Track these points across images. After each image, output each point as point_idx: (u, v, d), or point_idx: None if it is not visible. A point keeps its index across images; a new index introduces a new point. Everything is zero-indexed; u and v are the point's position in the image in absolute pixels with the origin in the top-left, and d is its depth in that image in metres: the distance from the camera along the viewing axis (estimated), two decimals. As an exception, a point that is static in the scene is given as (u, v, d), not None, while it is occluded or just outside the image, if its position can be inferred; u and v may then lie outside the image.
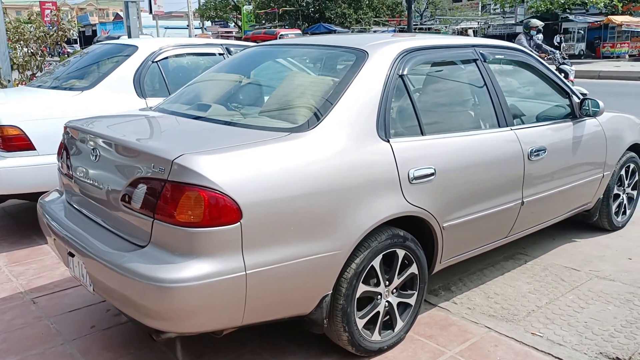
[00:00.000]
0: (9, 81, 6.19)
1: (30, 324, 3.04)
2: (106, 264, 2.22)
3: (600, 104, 3.65)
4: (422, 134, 2.76)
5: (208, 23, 57.19)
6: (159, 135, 2.64)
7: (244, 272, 2.13)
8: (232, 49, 5.15)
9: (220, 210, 2.07)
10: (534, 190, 3.31)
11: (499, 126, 3.16)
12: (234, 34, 52.55)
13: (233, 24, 53.07)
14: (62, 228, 2.62)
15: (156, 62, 4.66)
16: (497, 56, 3.34)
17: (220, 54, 5.06)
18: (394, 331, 2.74)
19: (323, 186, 2.31)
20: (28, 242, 4.26)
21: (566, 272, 3.62)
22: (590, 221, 4.22)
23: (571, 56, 28.48)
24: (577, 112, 3.72)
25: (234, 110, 2.86)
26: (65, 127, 2.91)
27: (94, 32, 53.32)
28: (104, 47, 5.08)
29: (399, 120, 2.76)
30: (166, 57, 4.75)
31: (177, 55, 4.88)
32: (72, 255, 2.51)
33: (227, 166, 2.12)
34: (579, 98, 3.74)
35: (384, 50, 2.77)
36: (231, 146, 2.22)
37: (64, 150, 2.89)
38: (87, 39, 45.00)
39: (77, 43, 43.28)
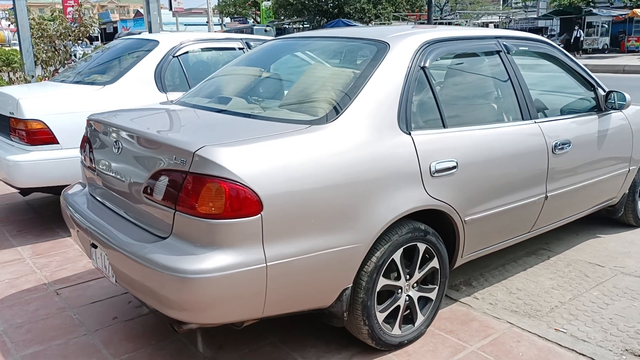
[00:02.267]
0: (32, 76, 6.28)
1: (54, 314, 3.08)
2: (128, 255, 2.24)
3: (627, 96, 3.57)
4: (444, 126, 2.73)
5: (227, 19, 57.40)
6: (180, 127, 2.64)
7: (265, 264, 2.13)
8: (251, 43, 5.15)
9: (241, 202, 2.07)
10: (558, 185, 3.26)
11: (523, 119, 3.11)
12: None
13: (252, 20, 53.18)
14: (85, 220, 2.64)
15: (177, 56, 4.69)
16: (520, 48, 3.29)
17: (240, 49, 5.07)
18: (414, 325, 2.72)
19: (344, 178, 2.30)
20: (51, 235, 4.32)
21: (590, 268, 3.56)
22: (615, 216, 4.14)
23: (595, 50, 28.06)
24: (603, 104, 3.64)
25: (255, 103, 2.85)
26: (88, 120, 2.94)
27: (115, 30, 53.94)
28: (126, 42, 5.13)
29: (420, 113, 2.73)
30: (187, 52, 4.78)
31: (197, 50, 4.90)
32: (95, 246, 2.53)
33: (248, 158, 2.12)
34: (604, 90, 3.66)
35: (405, 41, 2.74)
36: (252, 138, 2.22)
37: (87, 143, 2.92)
38: (108, 36, 45.54)
39: (98, 40, 43.83)
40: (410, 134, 2.56)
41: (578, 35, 27.14)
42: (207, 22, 52.30)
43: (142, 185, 2.34)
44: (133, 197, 2.44)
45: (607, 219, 4.25)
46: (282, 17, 42.84)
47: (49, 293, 3.35)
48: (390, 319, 2.64)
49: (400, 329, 2.67)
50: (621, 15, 27.81)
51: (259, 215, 2.10)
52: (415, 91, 2.67)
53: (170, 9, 40.11)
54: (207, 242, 2.10)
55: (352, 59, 2.93)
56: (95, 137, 2.82)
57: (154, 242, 2.23)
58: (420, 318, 2.73)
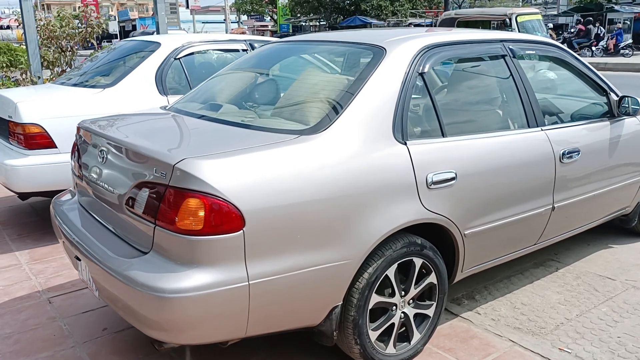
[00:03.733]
0: (39, 77, 6.27)
1: (44, 324, 3.02)
2: (107, 270, 2.16)
3: (640, 101, 3.40)
4: (443, 135, 2.61)
5: (244, 17, 57.50)
6: (165, 137, 2.55)
7: (247, 283, 2.03)
8: (256, 45, 5.06)
9: (222, 217, 1.97)
10: (566, 195, 3.11)
11: (529, 126, 2.97)
12: (269, 27, 52.72)
13: (269, 17, 53.20)
14: (70, 231, 2.57)
15: (178, 59, 4.61)
16: (527, 52, 3.14)
17: (243, 50, 4.97)
18: (410, 344, 2.60)
19: (333, 192, 2.19)
20: (50, 239, 4.27)
21: (600, 281, 3.41)
22: (629, 226, 3.98)
23: (615, 47, 27.44)
24: (616, 110, 3.48)
25: (246, 110, 2.76)
26: (78, 127, 2.87)
27: (134, 27, 54.32)
28: (129, 44, 5.07)
29: (418, 122, 2.61)
30: (189, 54, 4.70)
31: (200, 52, 4.82)
32: (79, 259, 2.46)
33: (230, 171, 2.02)
34: (617, 95, 3.50)
35: (403, 46, 2.62)
36: (236, 150, 2.12)
37: (76, 150, 2.85)
38: (127, 34, 45.87)
39: (117, 38, 44.18)
40: (406, 143, 2.44)
41: (599, 32, 26.58)
42: (224, 19, 52.47)
43: (125, 197, 2.26)
44: (117, 209, 2.36)
45: (620, 228, 4.09)
46: (299, 15, 42.76)
47: (42, 301, 3.29)
48: (385, 336, 2.53)
49: (394, 348, 2.55)
50: (644, 12, 27.20)
51: (241, 231, 2.00)
52: (412, 99, 2.54)
53: (187, 7, 40.28)
54: (187, 259, 2.01)
55: (347, 65, 2.82)
56: (83, 145, 2.75)
57: (135, 257, 2.15)
58: (416, 336, 2.62)
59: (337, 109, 2.37)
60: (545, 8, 37.41)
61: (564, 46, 3.37)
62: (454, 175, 2.53)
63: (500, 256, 2.97)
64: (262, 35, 49.88)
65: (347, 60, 2.85)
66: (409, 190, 2.40)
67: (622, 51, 23.12)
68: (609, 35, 25.08)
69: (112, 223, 2.44)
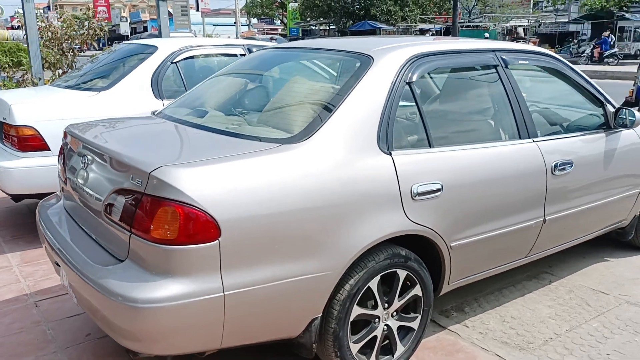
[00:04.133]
0: (39, 79, 6.30)
1: (28, 328, 3.01)
2: (83, 278, 2.14)
3: (637, 114, 3.34)
4: (430, 146, 2.57)
5: (254, 20, 57.66)
6: (146, 144, 2.54)
7: (222, 293, 2.00)
8: (254, 49, 5.03)
9: (197, 227, 1.95)
10: (558, 207, 3.06)
11: (520, 137, 2.92)
12: (279, 31, 52.85)
13: (279, 21, 53.34)
14: (52, 236, 2.56)
15: (175, 62, 4.60)
16: (520, 62, 3.09)
17: (241, 55, 4.96)
18: (393, 357, 2.56)
19: (314, 202, 2.16)
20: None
21: (593, 295, 3.35)
22: (625, 239, 3.91)
23: (627, 56, 27.26)
24: (612, 122, 3.42)
25: (232, 116, 2.74)
26: (65, 132, 2.86)
27: (145, 29, 54.66)
28: (127, 47, 5.07)
29: (404, 132, 2.57)
30: (186, 58, 4.69)
31: (197, 56, 4.81)
32: (59, 265, 2.45)
33: (207, 180, 1.99)
34: (614, 107, 3.44)
35: (390, 55, 2.59)
36: (214, 158, 2.10)
37: (63, 154, 2.84)
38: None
39: (128, 39, 44.47)
40: (390, 154, 2.40)
41: (609, 41, 26.41)
42: (234, 22, 52.65)
43: (103, 204, 2.24)
44: (96, 215, 2.34)
45: (617, 241, 4.02)
46: (309, 19, 42.82)
47: (28, 305, 3.28)
48: (367, 349, 2.49)
49: (376, 360, 2.51)
50: (655, 20, 27.00)
51: (217, 241, 1.97)
52: (399, 109, 2.51)
53: (197, 9, 40.46)
54: (162, 268, 1.99)
55: (334, 73, 2.79)
56: (69, 149, 2.74)
57: (111, 265, 2.13)
58: (400, 349, 2.58)
59: (321, 117, 2.34)
60: (555, 15, 37.24)
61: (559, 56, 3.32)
62: (439, 187, 2.49)
63: (489, 269, 2.92)
64: (272, 38, 50.03)
65: (335, 68, 2.83)
66: (393, 202, 2.36)
67: (606, 60, 23.25)
68: (593, 43, 25.19)
69: (92, 229, 2.42)
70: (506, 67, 2.98)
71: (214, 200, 1.97)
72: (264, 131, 2.43)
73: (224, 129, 2.51)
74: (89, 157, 2.43)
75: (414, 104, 2.58)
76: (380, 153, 2.38)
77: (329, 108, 2.38)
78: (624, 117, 3.39)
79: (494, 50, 2.99)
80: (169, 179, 1.96)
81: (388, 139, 2.42)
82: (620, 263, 3.81)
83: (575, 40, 30.88)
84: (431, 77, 2.76)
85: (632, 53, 27.71)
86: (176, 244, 1.95)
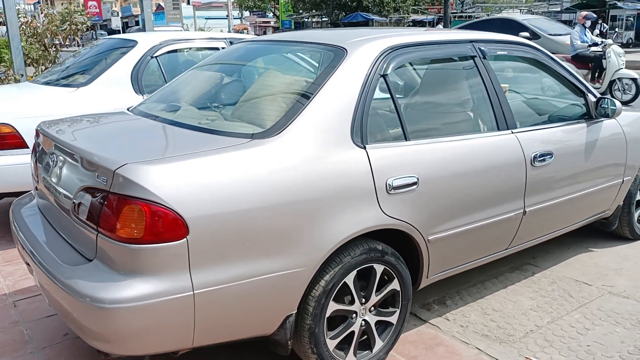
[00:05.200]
0: (22, 75, 6.22)
1: (5, 329, 2.97)
2: (51, 278, 2.10)
3: (617, 103, 3.32)
4: (406, 139, 2.53)
5: (246, 13, 57.36)
6: (112, 140, 2.49)
7: (192, 292, 1.97)
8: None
9: (164, 225, 1.91)
10: (538, 199, 3.03)
11: (499, 129, 2.89)
12: (271, 23, 52.60)
13: (271, 13, 53.06)
14: (23, 236, 2.52)
15: (155, 57, 4.55)
16: (499, 52, 3.06)
17: (223, 49, 4.89)
18: (372, 352, 2.54)
19: (285, 198, 2.12)
20: (25, 240, 4.22)
21: (576, 286, 3.34)
22: (609, 229, 3.90)
23: (619, 45, 27.23)
24: (593, 112, 3.40)
25: (205, 111, 2.69)
26: (37, 130, 2.81)
27: (136, 23, 54.28)
28: (106, 42, 5.01)
29: (379, 125, 2.54)
30: (166, 52, 4.64)
31: (178, 50, 4.76)
32: (29, 265, 2.41)
33: (173, 177, 1.96)
34: (595, 97, 3.42)
35: (365, 47, 2.55)
36: (182, 155, 2.06)
37: (34, 152, 2.80)
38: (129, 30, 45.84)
39: (120, 33, 44.13)
40: (365, 148, 2.37)
41: (602, 29, 26.36)
42: (227, 15, 52.34)
43: (71, 202, 2.20)
44: (65, 214, 2.30)
45: (601, 231, 4.00)
46: (301, 11, 42.61)
47: (7, 304, 3.24)
48: (345, 344, 2.47)
49: (355, 356, 2.49)
50: (647, 8, 26.95)
51: (185, 239, 1.94)
52: (374, 101, 2.47)
53: (189, 2, 40.20)
54: (129, 267, 1.95)
55: (308, 66, 2.75)
56: (39, 147, 2.70)
57: (78, 265, 2.09)
58: (378, 344, 2.55)
59: (293, 111, 2.31)
60: (547, 4, 37.16)
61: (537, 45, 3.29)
62: (415, 180, 2.46)
63: (469, 261, 2.90)
64: (264, 31, 49.76)
65: (309, 61, 2.78)
66: (368, 196, 2.33)
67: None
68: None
69: (63, 229, 2.38)
70: (484, 57, 2.94)
71: (181, 197, 1.94)
72: (235, 126, 2.39)
73: (195, 124, 2.47)
74: (58, 155, 2.39)
75: (389, 96, 2.55)
76: (354, 147, 2.34)
77: (301, 101, 2.34)
78: (606, 106, 3.37)
79: (471, 41, 2.96)
80: (134, 176, 1.92)
81: (362, 132, 2.38)
82: (604, 253, 3.80)
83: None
84: (406, 69, 2.72)
85: (625, 42, 27.67)
86: (143, 242, 1.92)
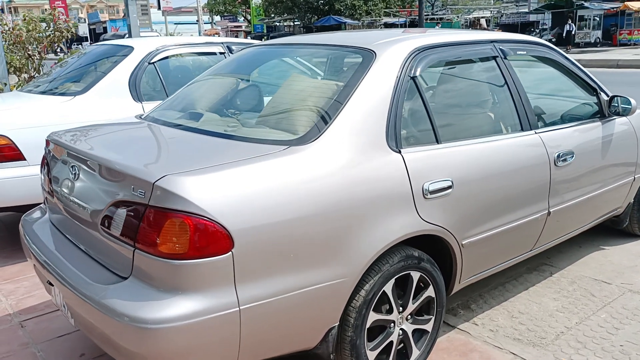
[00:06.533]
0: (5, 84, 5.99)
1: (16, 352, 2.81)
2: (83, 298, 1.98)
3: (632, 101, 3.33)
4: (438, 142, 2.48)
5: (217, 18, 56.97)
6: (142, 151, 2.37)
7: (237, 308, 1.87)
8: (233, 47, 4.88)
9: (209, 238, 1.81)
10: (561, 199, 3.02)
11: (522, 130, 2.87)
12: (243, 28, 52.35)
13: (242, 18, 52.81)
14: (41, 253, 2.38)
15: (153, 63, 4.41)
16: (518, 52, 3.03)
17: (221, 53, 4.80)
18: (408, 361, 2.48)
19: (327, 206, 2.04)
20: (22, 256, 4.00)
21: (596, 285, 3.33)
22: (620, 227, 3.92)
23: (587, 44, 27.87)
24: (606, 110, 3.40)
25: (229, 118, 2.59)
26: (47, 140, 2.67)
27: (104, 30, 53.38)
28: (100, 49, 4.85)
29: (411, 128, 2.48)
30: (164, 58, 4.50)
31: (175, 56, 4.63)
32: (52, 284, 2.27)
33: (215, 188, 1.86)
34: (607, 95, 3.42)
35: (393, 49, 2.49)
36: (221, 164, 1.96)
37: (46, 165, 2.65)
38: (97, 36, 45.02)
39: (87, 40, 43.30)
40: (400, 152, 2.30)
41: (570, 29, 26.94)
42: (197, 20, 51.88)
43: (100, 217, 2.08)
44: (91, 229, 2.17)
45: (610, 229, 4.02)
46: (273, 15, 42.53)
47: (13, 325, 3.08)
48: (383, 355, 2.39)
49: (393, 366, 2.42)
50: (613, 8, 27.63)
51: (230, 253, 1.84)
52: (405, 104, 2.41)
53: (159, 8, 39.69)
54: (171, 285, 1.85)
55: (335, 69, 2.68)
56: (53, 160, 2.56)
57: (113, 283, 1.98)
58: (415, 353, 2.49)
59: (327, 117, 2.23)
60: (516, 5, 37.83)
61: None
62: (450, 184, 2.41)
63: (497, 265, 2.86)
64: (237, 36, 49.47)
65: (335, 64, 2.71)
66: (405, 201, 2.27)
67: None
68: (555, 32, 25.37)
69: (86, 244, 2.26)
70: (505, 58, 2.91)
71: (224, 209, 1.84)
72: (266, 133, 2.30)
73: (222, 131, 2.38)
74: (79, 167, 2.26)
75: (419, 98, 2.49)
76: (390, 151, 2.28)
77: (334, 106, 2.26)
78: (617, 105, 3.38)
79: (492, 41, 2.93)
80: (176, 188, 1.82)
81: (396, 136, 2.32)
82: (616, 251, 3.81)
83: (537, 30, 31.45)
84: (433, 70, 2.67)
85: (592, 41, 28.33)
86: (187, 258, 1.81)
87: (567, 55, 3.34)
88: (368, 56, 2.45)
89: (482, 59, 2.89)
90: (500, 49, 2.92)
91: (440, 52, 2.66)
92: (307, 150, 2.11)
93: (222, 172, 1.92)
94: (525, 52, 3.10)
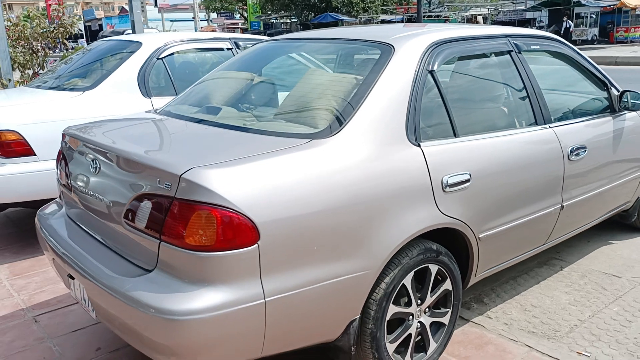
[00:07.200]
0: (9, 80, 5.96)
1: (32, 346, 2.82)
2: (108, 291, 1.98)
3: (643, 96, 3.35)
4: (456, 135, 2.49)
5: (213, 15, 56.84)
6: (164, 144, 2.38)
7: (263, 300, 1.88)
8: (241, 43, 4.88)
9: (235, 230, 1.82)
10: (573, 193, 3.04)
11: (537, 124, 2.88)
12: (239, 25, 52.24)
13: (239, 15, 52.69)
14: (60, 247, 2.38)
15: (161, 58, 4.41)
16: (532, 47, 3.05)
17: (228, 49, 4.79)
18: (426, 354, 2.49)
19: (349, 198, 2.05)
20: (31, 252, 4.04)
21: (607, 279, 3.35)
22: (628, 222, 3.94)
23: (584, 41, 27.95)
24: (617, 105, 3.43)
25: (247, 112, 2.60)
26: (64, 134, 2.67)
27: (100, 27, 53.13)
28: (107, 44, 4.84)
29: (429, 122, 2.49)
30: (172, 54, 4.50)
31: (183, 51, 4.63)
32: (72, 277, 2.28)
33: (241, 180, 1.87)
34: (618, 90, 3.44)
35: (411, 43, 2.50)
36: (246, 157, 1.96)
37: (62, 159, 2.65)
38: (93, 34, 44.80)
39: (83, 38, 43.10)
40: (419, 145, 2.31)
41: (567, 26, 27.01)
42: (193, 17, 51.72)
43: (123, 210, 2.08)
44: (113, 223, 2.18)
45: (618, 223, 4.05)
46: (269, 12, 42.42)
47: (27, 320, 3.08)
48: (401, 347, 2.41)
49: (412, 359, 2.43)
50: (609, 5, 27.72)
51: (256, 245, 1.85)
52: (423, 98, 2.42)
53: (156, 5, 39.57)
54: (197, 277, 1.85)
55: (354, 63, 2.68)
56: (70, 153, 2.56)
57: (137, 275, 1.98)
58: (432, 345, 2.51)
59: (347, 110, 2.24)
60: (513, 3, 37.87)
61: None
62: (468, 177, 2.42)
63: (511, 258, 2.88)
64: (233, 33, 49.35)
65: (353, 58, 2.71)
66: (425, 194, 2.28)
67: None
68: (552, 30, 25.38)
69: (107, 237, 2.26)
70: (519, 52, 2.93)
71: (250, 201, 1.85)
72: (287, 127, 2.30)
73: (243, 125, 2.38)
74: (100, 161, 2.26)
75: (438, 92, 2.50)
76: (410, 145, 2.29)
77: (355, 100, 2.27)
78: (627, 100, 3.40)
79: (506, 36, 2.94)
80: (203, 181, 1.82)
81: (416, 129, 2.33)
82: (625, 245, 3.84)
83: (534, 28, 31.50)
84: (450, 64, 2.68)
85: (589, 38, 28.41)
86: (213, 250, 1.82)
87: (578, 50, 3.36)
88: (387, 50, 2.46)
89: (497, 54, 2.90)
90: (515, 44, 2.93)
91: (456, 46, 2.67)
92: (328, 143, 2.11)
93: (247, 164, 1.92)
94: (538, 47, 3.11)
